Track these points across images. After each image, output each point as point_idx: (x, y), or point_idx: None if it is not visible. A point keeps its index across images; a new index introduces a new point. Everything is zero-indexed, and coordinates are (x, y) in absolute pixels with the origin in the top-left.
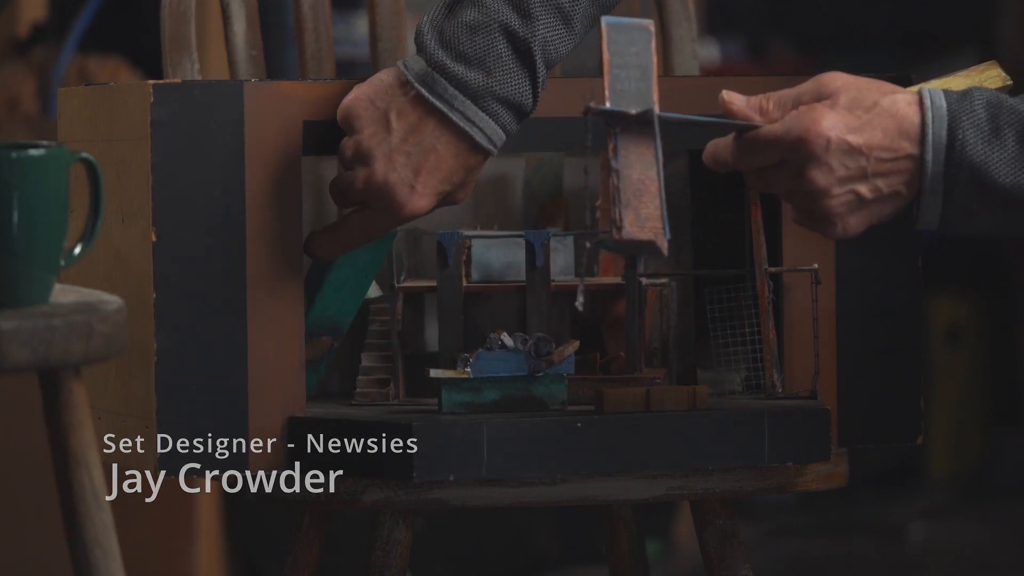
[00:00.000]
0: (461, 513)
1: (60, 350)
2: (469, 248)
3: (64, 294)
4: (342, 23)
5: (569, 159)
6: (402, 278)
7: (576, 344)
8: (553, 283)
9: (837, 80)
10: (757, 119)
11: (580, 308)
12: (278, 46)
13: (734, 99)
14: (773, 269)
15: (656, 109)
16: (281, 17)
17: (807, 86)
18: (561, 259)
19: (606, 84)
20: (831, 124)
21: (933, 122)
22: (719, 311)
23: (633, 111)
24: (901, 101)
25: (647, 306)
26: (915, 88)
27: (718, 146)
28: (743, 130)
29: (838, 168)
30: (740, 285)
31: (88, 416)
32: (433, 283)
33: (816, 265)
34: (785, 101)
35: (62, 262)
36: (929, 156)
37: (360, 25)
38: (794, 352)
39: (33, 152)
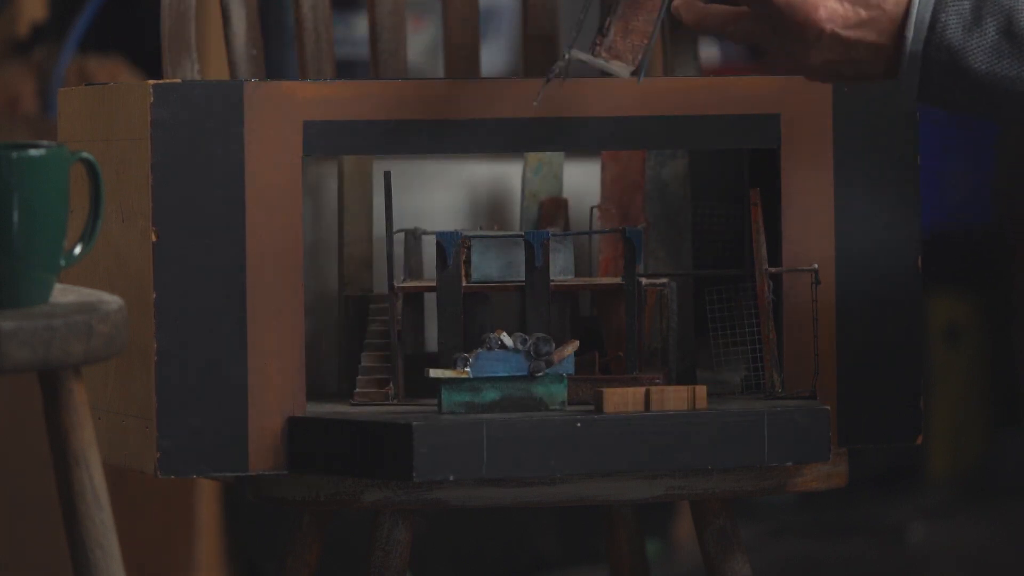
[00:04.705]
0: (461, 513)
1: (60, 350)
2: (469, 248)
3: (64, 294)
4: (342, 23)
5: (569, 159)
6: (402, 278)
7: (576, 344)
8: (553, 283)
9: None
10: None
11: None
12: (278, 46)
13: None
14: (773, 269)
15: None
16: (281, 17)
17: None
18: (561, 259)
19: None
20: (828, 16)
21: (919, 4)
22: (719, 311)
23: None
24: None
25: (647, 306)
26: None
27: None
28: None
29: (825, 52)
30: (740, 285)
31: (88, 416)
32: (433, 283)
33: (816, 265)
34: None
35: (62, 262)
36: (910, 34)
37: (360, 25)
38: (794, 352)
39: (33, 152)
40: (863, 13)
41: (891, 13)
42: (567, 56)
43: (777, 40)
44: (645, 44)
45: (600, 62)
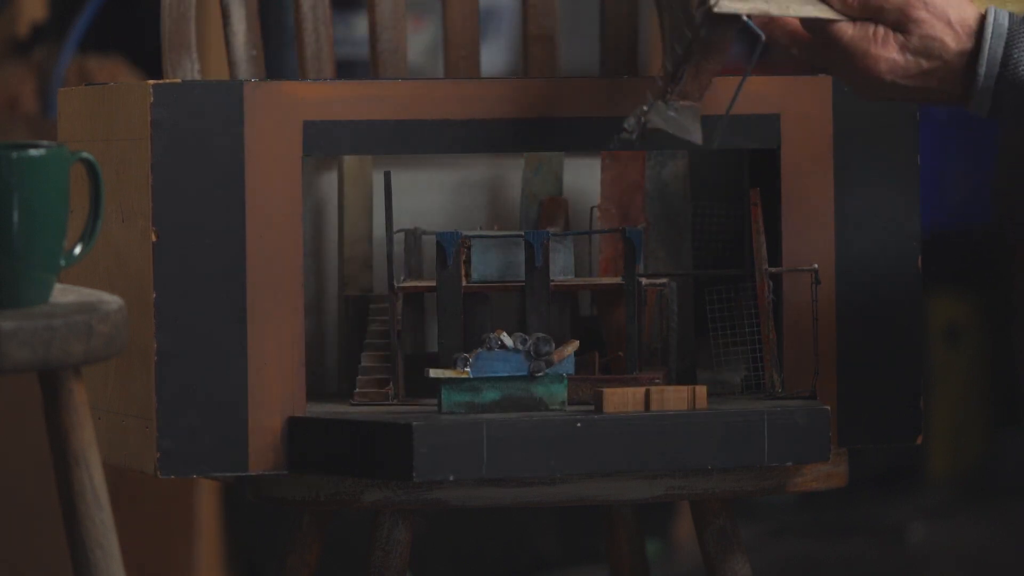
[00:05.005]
0: (461, 513)
1: (60, 350)
2: (469, 248)
3: (64, 294)
4: (342, 23)
5: (569, 159)
6: (402, 278)
7: (576, 344)
8: (553, 283)
9: (920, 11)
10: (837, 7)
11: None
12: (278, 46)
13: None
14: (773, 269)
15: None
16: (281, 17)
17: (896, 1)
18: (561, 259)
19: None
20: (889, 69)
21: (991, 40)
22: (719, 311)
23: (744, 16)
24: (967, 47)
25: (647, 306)
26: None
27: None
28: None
29: (886, 94)
30: (740, 285)
31: (88, 416)
32: (433, 283)
33: (816, 265)
34: (870, 4)
35: (62, 262)
36: (982, 71)
37: (360, 25)
38: (794, 352)
39: (33, 152)
40: (924, 64)
41: (953, 63)
42: (642, 118)
43: (837, 71)
44: (707, 87)
45: (672, 113)
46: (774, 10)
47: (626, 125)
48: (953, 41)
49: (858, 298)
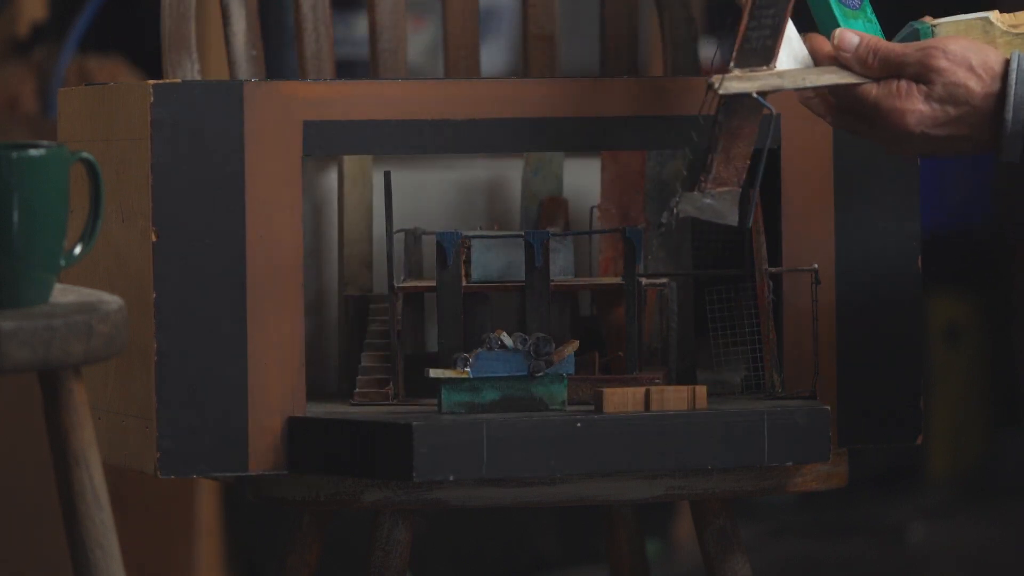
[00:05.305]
0: (461, 513)
1: (60, 350)
2: (469, 248)
3: (64, 294)
4: (342, 23)
5: (569, 159)
6: (402, 278)
7: (576, 344)
8: (553, 283)
9: (940, 60)
10: (857, 70)
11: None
12: (278, 46)
13: (846, 43)
14: (773, 269)
15: (776, 64)
16: (281, 17)
17: (915, 55)
18: (561, 259)
19: (737, 43)
20: (917, 121)
21: (1016, 86)
22: (719, 311)
23: (754, 93)
24: (992, 90)
25: (647, 306)
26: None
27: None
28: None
29: (917, 147)
30: (740, 285)
31: (88, 416)
32: (433, 283)
33: (816, 265)
34: (890, 62)
35: (62, 262)
36: (1009, 116)
37: (360, 25)
38: (794, 352)
39: (33, 152)
40: (952, 111)
41: (981, 108)
42: (675, 209)
43: (870, 134)
44: (743, 169)
45: (707, 200)
46: (788, 84)
47: (662, 219)
48: (978, 85)
49: (858, 298)
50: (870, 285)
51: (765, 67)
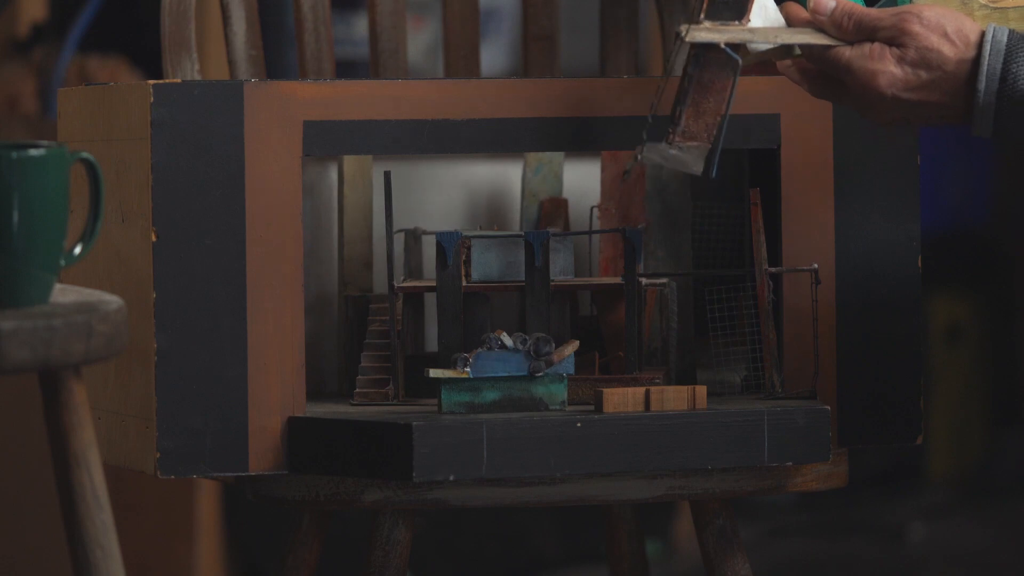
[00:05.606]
0: (461, 513)
1: (60, 350)
2: (469, 248)
3: (64, 294)
4: (342, 23)
5: (569, 159)
6: (402, 278)
7: (576, 344)
8: (553, 283)
9: (914, 24)
10: (832, 34)
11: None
12: (278, 46)
13: (821, 6)
14: (773, 269)
15: (748, 22)
16: (281, 17)
17: (889, 19)
18: (561, 259)
19: None
20: (889, 83)
21: (989, 56)
22: (719, 311)
23: (723, 43)
24: (966, 56)
25: (647, 306)
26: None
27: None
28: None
29: (889, 111)
30: (740, 285)
31: (88, 416)
32: (433, 283)
33: (816, 265)
34: (864, 25)
35: (62, 262)
36: (981, 87)
37: (360, 25)
38: (794, 352)
39: (33, 152)
40: (924, 75)
41: (954, 73)
42: (639, 157)
43: (845, 98)
44: (715, 125)
45: (673, 152)
46: (759, 39)
47: (627, 166)
48: (951, 51)
49: (858, 298)
50: (870, 285)
51: (736, 22)
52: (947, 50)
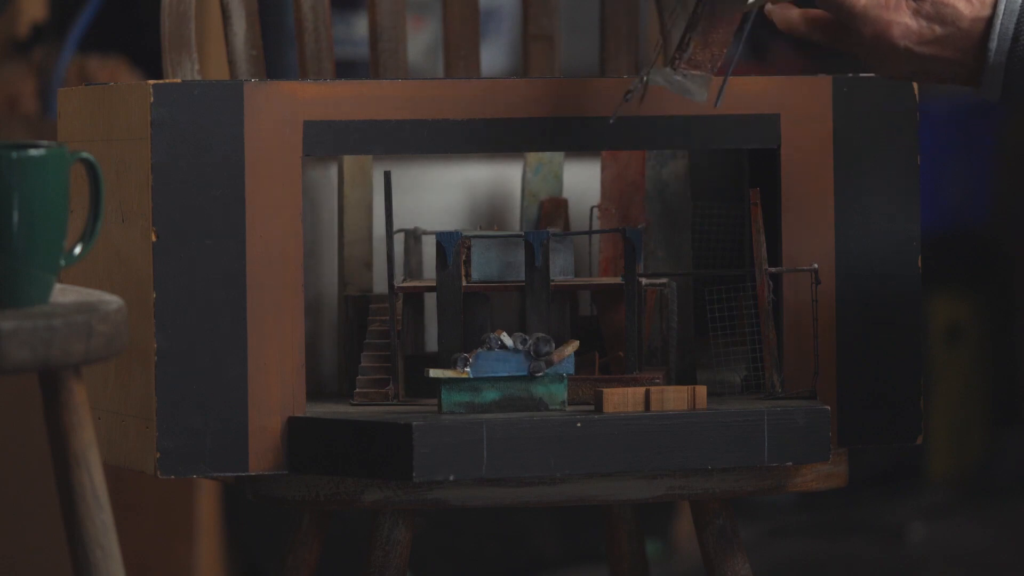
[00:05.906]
0: (461, 513)
1: (60, 350)
2: (469, 248)
3: (64, 294)
4: (342, 23)
5: (569, 159)
6: (402, 278)
7: (576, 344)
8: (553, 283)
9: None
10: None
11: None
12: (278, 46)
13: None
14: (773, 269)
15: None
16: (281, 17)
17: None
18: (561, 259)
19: None
20: (902, 34)
21: (1003, 17)
22: (719, 311)
23: None
24: (982, 14)
25: (647, 306)
26: None
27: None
28: None
29: (900, 64)
30: (740, 285)
31: (88, 416)
32: (433, 283)
33: (816, 265)
34: None
35: (62, 262)
36: (993, 46)
37: (360, 25)
38: (794, 352)
39: (33, 152)
40: (938, 30)
41: (968, 30)
42: (644, 78)
43: (856, 47)
44: (720, 56)
45: (678, 77)
46: None
47: (631, 87)
48: (967, 8)
49: (858, 298)
50: (870, 285)
51: None
52: (963, 7)
